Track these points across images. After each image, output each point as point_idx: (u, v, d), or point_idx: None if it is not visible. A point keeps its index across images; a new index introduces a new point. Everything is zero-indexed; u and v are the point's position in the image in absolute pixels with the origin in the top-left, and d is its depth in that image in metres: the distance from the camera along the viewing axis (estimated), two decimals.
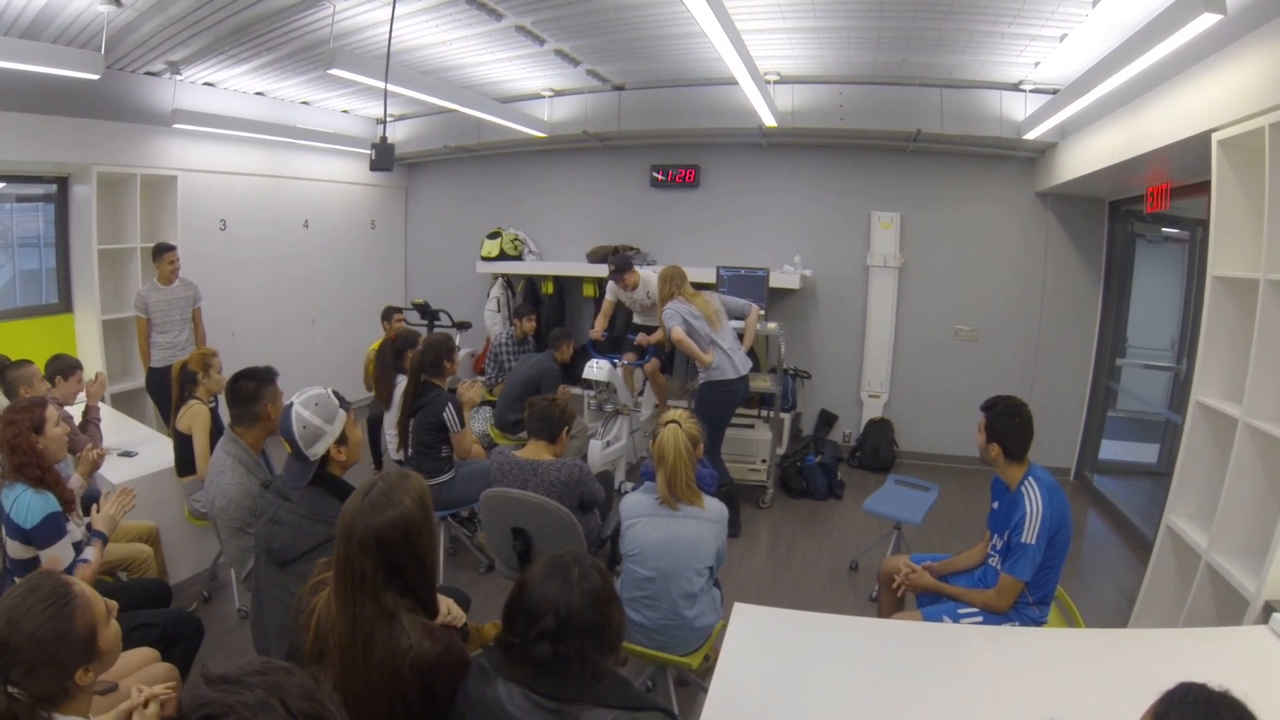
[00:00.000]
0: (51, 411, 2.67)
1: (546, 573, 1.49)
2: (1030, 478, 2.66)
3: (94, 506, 2.76)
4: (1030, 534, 2.55)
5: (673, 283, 4.77)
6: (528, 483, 3.05)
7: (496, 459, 3.19)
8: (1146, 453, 5.49)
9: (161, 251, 5.22)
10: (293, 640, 1.77)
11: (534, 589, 1.47)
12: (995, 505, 2.85)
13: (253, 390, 2.94)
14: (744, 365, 4.71)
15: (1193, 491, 3.21)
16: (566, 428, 3.19)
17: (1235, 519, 2.85)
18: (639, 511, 2.71)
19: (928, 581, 2.89)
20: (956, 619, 2.71)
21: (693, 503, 2.68)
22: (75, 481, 2.97)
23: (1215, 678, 1.23)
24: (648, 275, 5.54)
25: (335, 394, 2.24)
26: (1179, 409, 4.18)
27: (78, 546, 2.59)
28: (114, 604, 1.62)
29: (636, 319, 5.90)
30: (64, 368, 3.90)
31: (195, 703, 0.99)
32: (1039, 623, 2.67)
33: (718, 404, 4.65)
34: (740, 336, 4.81)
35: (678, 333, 4.51)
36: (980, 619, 2.69)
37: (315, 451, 2.13)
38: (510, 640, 1.47)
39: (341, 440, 2.18)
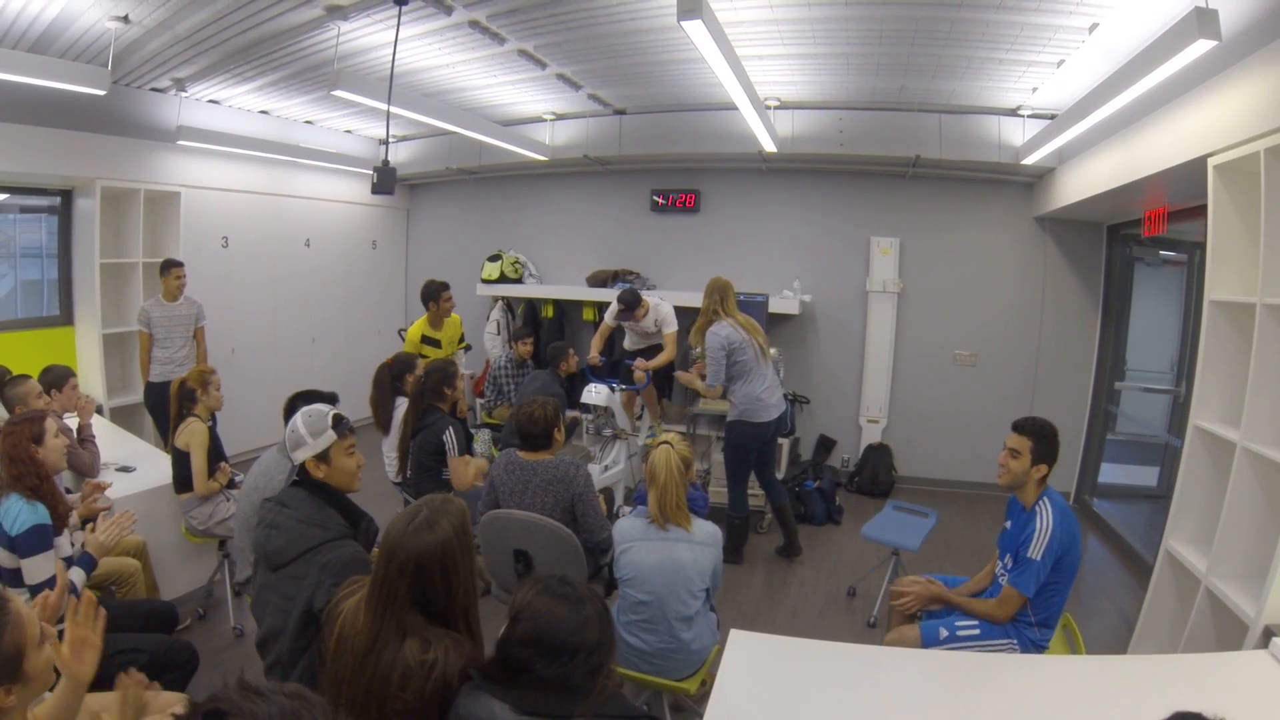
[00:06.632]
0: (50, 424, 2.73)
1: (550, 598, 1.50)
2: (1045, 497, 2.67)
3: (89, 526, 2.73)
4: (1038, 550, 2.56)
5: (714, 297, 4.33)
6: (529, 483, 3.06)
7: (502, 458, 3.20)
8: (1146, 476, 5.46)
9: (168, 267, 5.24)
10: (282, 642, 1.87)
11: (540, 616, 1.48)
12: (1008, 525, 2.84)
13: None
14: (778, 407, 4.50)
15: (1192, 515, 3.19)
16: (556, 427, 3.20)
17: (1234, 543, 2.83)
18: (632, 536, 2.72)
19: (937, 591, 2.87)
20: (953, 630, 2.70)
21: (681, 524, 2.69)
22: (72, 517, 2.96)
23: (1215, 704, 1.22)
24: (655, 303, 5.46)
25: (338, 417, 2.26)
26: (1178, 432, 4.15)
27: (68, 562, 2.57)
28: (51, 630, 1.57)
29: (633, 342, 5.83)
30: (57, 379, 3.92)
31: (212, 695, 1.00)
32: (1040, 645, 2.64)
33: (746, 438, 4.49)
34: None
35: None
36: (978, 631, 2.68)
37: (295, 456, 2.23)
38: (509, 663, 1.48)
39: (323, 458, 2.21)
